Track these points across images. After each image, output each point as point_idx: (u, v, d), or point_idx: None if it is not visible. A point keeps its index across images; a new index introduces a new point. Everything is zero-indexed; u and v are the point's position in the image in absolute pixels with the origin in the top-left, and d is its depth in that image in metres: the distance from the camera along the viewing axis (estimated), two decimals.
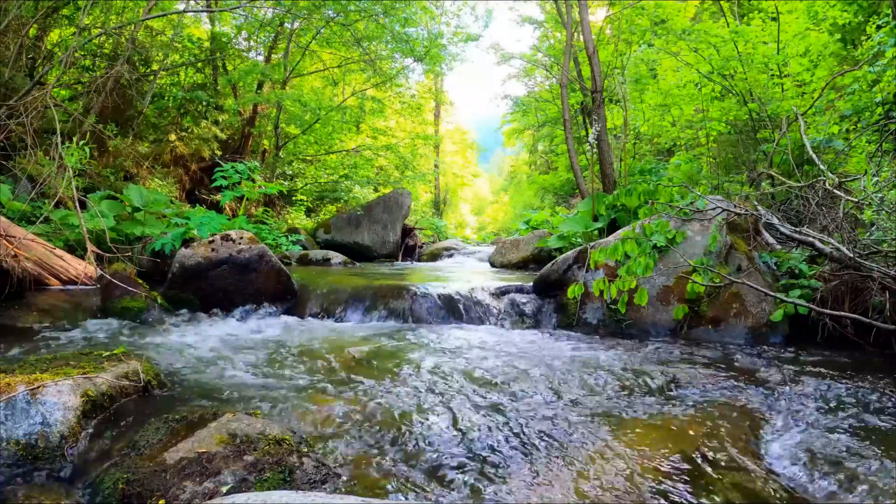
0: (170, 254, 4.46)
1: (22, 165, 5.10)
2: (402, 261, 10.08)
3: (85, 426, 1.66)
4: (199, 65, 10.37)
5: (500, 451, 1.63)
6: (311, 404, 1.96)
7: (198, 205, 8.37)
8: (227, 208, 9.10)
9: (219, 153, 9.83)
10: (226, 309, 3.83)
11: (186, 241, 4.34)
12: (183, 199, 9.28)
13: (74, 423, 1.62)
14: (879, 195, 3.16)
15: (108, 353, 2.15)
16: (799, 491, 1.46)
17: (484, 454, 1.62)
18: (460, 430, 1.75)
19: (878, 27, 5.04)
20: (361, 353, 2.77)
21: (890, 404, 2.05)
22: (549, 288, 3.97)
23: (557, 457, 1.61)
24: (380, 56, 11.20)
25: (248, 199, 6.94)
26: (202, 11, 10.07)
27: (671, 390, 2.24)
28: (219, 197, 7.16)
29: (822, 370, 2.52)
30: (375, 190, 13.83)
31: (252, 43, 11.39)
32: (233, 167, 5.99)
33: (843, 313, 2.85)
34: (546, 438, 1.72)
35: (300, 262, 7.55)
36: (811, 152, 4.00)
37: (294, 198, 12.35)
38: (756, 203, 4.28)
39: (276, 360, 2.61)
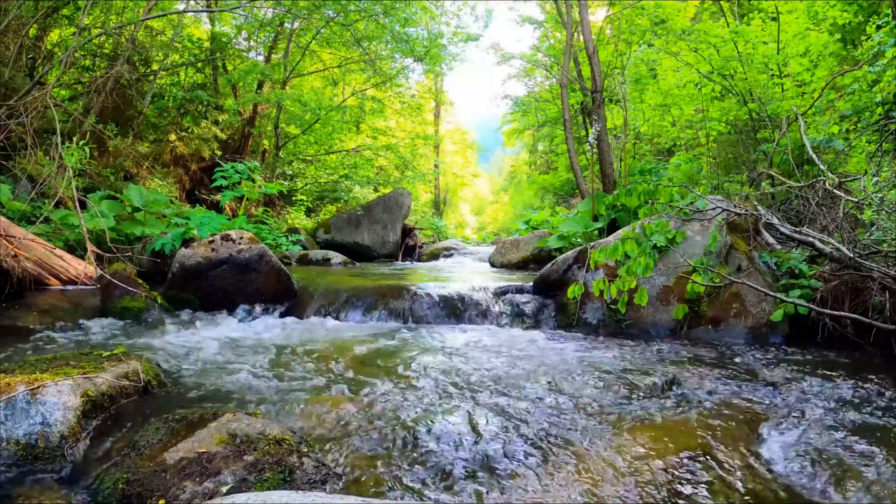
0: (170, 254, 4.46)
1: (22, 165, 5.10)
2: (402, 261, 10.08)
3: (85, 426, 1.66)
4: (199, 65, 10.37)
5: (500, 451, 1.63)
6: (312, 404, 1.96)
7: (198, 205, 8.37)
8: (227, 208, 9.10)
9: (219, 153, 9.83)
10: (226, 309, 3.83)
11: (186, 241, 4.35)
12: (183, 199, 9.28)
13: (74, 423, 1.62)
14: (879, 195, 3.16)
15: (108, 353, 2.15)
16: (799, 490, 1.46)
17: (484, 454, 1.62)
18: (461, 430, 1.75)
19: (878, 27, 5.04)
20: (361, 353, 2.77)
21: (890, 404, 2.05)
22: (549, 288, 3.97)
23: (557, 456, 1.61)
24: (380, 56, 11.20)
25: (248, 199, 6.94)
26: (202, 11, 10.07)
27: (671, 390, 2.24)
28: (219, 197, 7.16)
29: (822, 370, 2.52)
30: (375, 190, 13.83)
31: (252, 43, 11.40)
32: (233, 167, 5.99)
33: (843, 313, 2.85)
34: (546, 438, 1.72)
35: (300, 262, 7.55)
36: (811, 152, 4.00)
37: (294, 198, 12.35)
38: (756, 203, 4.28)
39: (276, 360, 2.61)
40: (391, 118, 16.08)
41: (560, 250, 6.13)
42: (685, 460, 1.57)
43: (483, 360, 2.68)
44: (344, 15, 9.29)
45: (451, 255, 10.10)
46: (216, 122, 10.36)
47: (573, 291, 3.23)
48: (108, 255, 4.03)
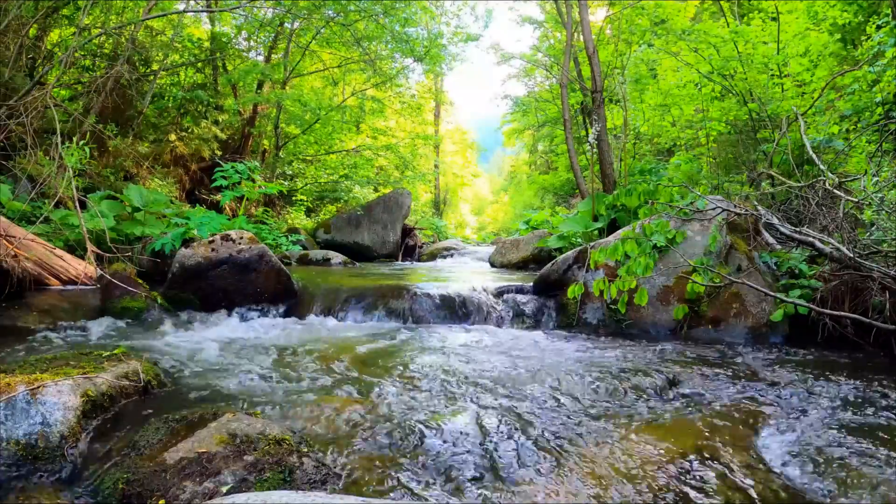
0: (170, 254, 4.46)
1: (22, 165, 5.10)
2: (402, 261, 10.08)
3: (85, 426, 1.66)
4: (199, 65, 10.37)
5: (500, 451, 1.63)
6: (312, 404, 1.96)
7: (198, 205, 8.37)
8: (227, 208, 9.10)
9: (219, 153, 9.83)
10: (226, 309, 3.83)
11: (186, 241, 4.35)
12: (183, 199, 9.28)
13: (74, 423, 1.62)
14: (879, 195, 3.16)
15: (108, 353, 2.15)
16: (799, 490, 1.46)
17: (484, 454, 1.62)
18: (461, 430, 1.75)
19: (878, 27, 5.04)
20: (362, 354, 2.77)
21: (890, 404, 2.05)
22: (549, 288, 3.97)
23: (557, 456, 1.61)
24: (380, 56, 11.20)
25: (248, 199, 6.94)
26: (202, 11, 10.07)
27: (671, 390, 2.24)
28: (219, 197, 7.16)
29: (823, 370, 2.52)
30: (375, 190, 13.83)
31: (252, 43, 11.40)
32: (233, 167, 5.99)
33: (843, 313, 2.85)
34: (546, 438, 1.72)
35: (300, 262, 7.55)
36: (811, 152, 4.00)
37: (294, 198, 12.35)
38: (756, 203, 4.28)
39: (276, 360, 2.61)
40: (391, 118, 16.08)
41: (560, 250, 6.13)
42: (685, 460, 1.57)
43: (483, 360, 2.68)
44: (344, 15, 9.29)
45: (450, 255, 10.11)
46: (216, 122, 10.36)
47: (573, 291, 3.23)
48: (108, 255, 4.03)
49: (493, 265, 7.79)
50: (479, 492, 1.43)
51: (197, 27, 11.20)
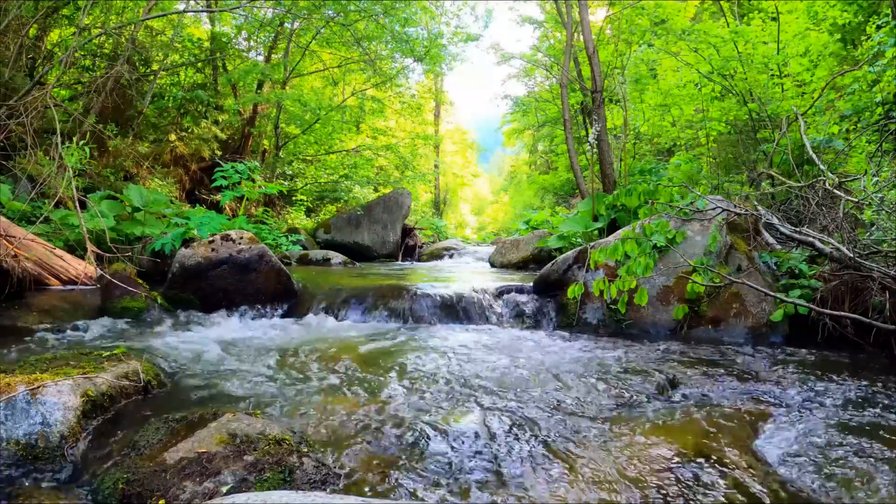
0: (170, 254, 4.46)
1: (22, 165, 5.10)
2: (402, 261, 10.08)
3: (85, 426, 1.66)
4: (199, 65, 10.37)
5: (500, 451, 1.63)
6: (312, 404, 1.96)
7: (198, 205, 8.37)
8: (227, 208, 9.10)
9: (219, 153, 9.84)
10: (226, 309, 3.83)
11: (186, 241, 4.35)
12: (183, 199, 9.28)
13: (74, 423, 1.62)
14: (879, 195, 3.16)
15: (108, 353, 2.15)
16: (799, 490, 1.46)
17: (484, 454, 1.62)
18: (461, 430, 1.75)
19: (878, 27, 5.04)
20: (362, 354, 2.77)
21: (890, 404, 2.05)
22: (549, 288, 3.97)
23: (557, 456, 1.61)
24: (380, 56, 11.21)
25: (248, 199, 6.94)
26: (202, 11, 10.07)
27: (672, 390, 2.24)
28: (219, 197, 7.16)
29: (823, 370, 2.52)
30: (375, 190, 13.83)
31: (252, 43, 11.40)
32: (233, 167, 5.99)
33: (843, 313, 2.85)
34: (546, 438, 1.72)
35: (300, 262, 7.55)
36: (811, 152, 4.00)
37: (294, 198, 12.35)
38: (756, 203, 4.28)
39: (276, 360, 2.61)
40: (391, 118, 16.09)
41: (560, 250, 6.13)
42: (686, 460, 1.57)
43: (483, 360, 2.68)
44: (344, 15, 9.29)
45: (450, 256, 10.11)
46: (216, 122, 10.36)
47: (573, 291, 3.23)
48: (108, 255, 4.03)
49: (493, 265, 7.79)
50: (481, 492, 1.43)
51: (197, 27, 11.20)
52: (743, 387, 2.28)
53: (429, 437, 1.69)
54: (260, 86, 10.77)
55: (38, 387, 1.66)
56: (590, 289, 3.52)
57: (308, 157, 12.26)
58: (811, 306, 2.93)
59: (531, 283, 4.14)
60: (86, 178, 6.65)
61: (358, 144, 13.01)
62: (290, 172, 12.33)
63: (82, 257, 4.24)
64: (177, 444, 1.51)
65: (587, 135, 8.36)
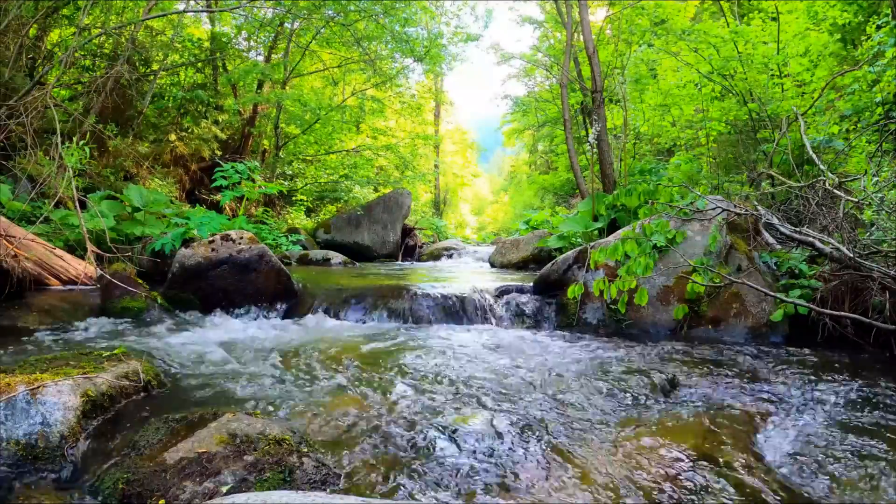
0: (170, 254, 4.46)
1: (22, 165, 5.10)
2: (402, 261, 10.08)
3: (85, 426, 1.66)
4: (199, 65, 10.37)
5: (500, 451, 1.63)
6: (312, 404, 1.96)
7: (198, 205, 8.37)
8: (227, 208, 9.10)
9: (219, 153, 9.84)
10: (226, 309, 3.83)
11: (186, 241, 4.34)
12: (183, 199, 9.28)
13: (74, 423, 1.62)
14: (879, 195, 3.16)
15: (108, 353, 2.15)
16: (800, 490, 1.46)
17: (484, 454, 1.62)
18: (462, 430, 1.75)
19: (878, 27, 5.04)
20: (362, 354, 2.77)
21: (890, 404, 2.05)
22: (549, 288, 3.97)
23: (558, 457, 1.61)
24: (380, 56, 11.21)
25: (248, 199, 6.94)
26: (202, 11, 10.07)
27: (672, 390, 2.24)
28: (219, 197, 7.16)
29: (823, 370, 2.52)
30: (375, 190, 13.83)
31: (252, 43, 11.40)
32: (233, 167, 5.99)
33: (843, 313, 2.85)
34: (547, 438, 1.72)
35: (300, 262, 7.55)
36: (811, 152, 4.00)
37: (294, 198, 12.35)
38: (756, 203, 4.28)
39: (275, 360, 2.61)
40: (391, 118, 16.08)
41: (560, 250, 6.13)
42: (686, 460, 1.57)
43: (483, 360, 2.68)
44: (344, 15, 9.29)
45: (450, 256, 10.11)
46: (216, 122, 10.36)
47: (573, 291, 3.23)
48: (108, 255, 4.03)
49: (493, 265, 7.79)
50: (483, 493, 1.43)
51: (197, 27, 11.20)
52: (743, 387, 2.28)
53: (430, 438, 1.69)
54: (260, 86, 10.77)
55: (38, 387, 1.66)
56: (590, 289, 3.52)
57: (308, 157, 12.26)
58: (811, 306, 2.93)
59: (531, 284, 4.14)
60: (86, 178, 6.65)
61: (358, 144, 13.01)
62: (290, 172, 12.33)
63: (82, 257, 4.24)
64: (177, 444, 1.51)
65: (587, 135, 8.36)
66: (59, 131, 4.29)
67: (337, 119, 11.05)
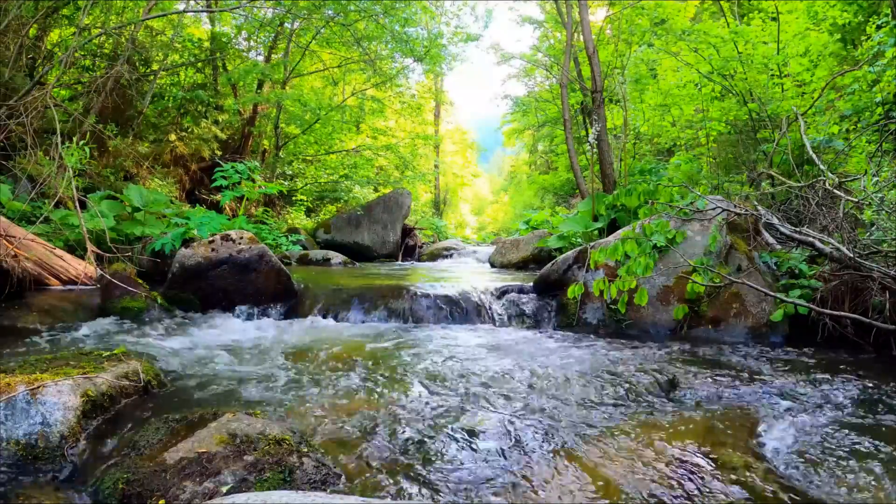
0: (170, 254, 4.46)
1: (22, 165, 5.10)
2: (402, 261, 10.08)
3: (85, 426, 1.66)
4: (199, 65, 10.37)
5: (500, 452, 1.63)
6: (312, 404, 1.96)
7: (198, 205, 8.37)
8: (227, 208, 9.10)
9: (219, 153, 9.83)
10: (226, 309, 3.83)
11: (186, 241, 4.35)
12: (183, 199, 9.28)
13: (74, 423, 1.62)
14: (879, 195, 3.16)
15: (108, 353, 2.15)
16: (799, 490, 1.46)
17: (486, 455, 1.62)
18: (461, 430, 1.75)
19: (878, 27, 5.04)
20: (362, 354, 2.77)
21: (890, 404, 2.05)
22: (550, 288, 3.97)
23: (557, 457, 1.61)
24: (380, 56, 11.20)
25: (248, 199, 6.94)
26: (202, 11, 10.07)
27: (672, 390, 2.24)
28: (219, 197, 7.16)
29: (823, 370, 2.52)
30: (375, 190, 13.83)
31: (252, 43, 11.40)
32: (233, 167, 5.99)
33: (843, 313, 2.85)
34: (547, 438, 1.72)
35: (300, 262, 7.55)
36: (811, 152, 4.00)
37: (294, 198, 12.35)
38: (756, 203, 4.28)
39: (276, 360, 2.61)
40: (391, 118, 16.08)
41: (560, 250, 6.13)
42: (688, 460, 1.57)
43: (483, 361, 2.68)
44: (344, 15, 9.29)
45: (451, 256, 10.11)
46: (216, 122, 10.36)
47: (573, 291, 3.23)
48: (108, 255, 4.03)
49: (493, 265, 7.79)
50: (484, 494, 1.43)
51: (197, 27, 11.20)
52: (743, 387, 2.28)
53: (430, 438, 1.69)
54: (260, 86, 10.77)
55: (38, 387, 1.66)
56: (590, 289, 3.52)
57: (308, 157, 12.26)
58: (811, 306, 2.93)
59: (531, 284, 4.14)
60: (86, 178, 6.64)
61: (358, 144, 13.01)
62: (290, 172, 12.33)
63: (82, 257, 4.24)
64: (177, 444, 1.51)
65: (587, 135, 8.36)
66: (59, 131, 4.29)
67: (337, 119, 11.06)
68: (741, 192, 4.97)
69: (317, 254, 7.87)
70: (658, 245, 3.45)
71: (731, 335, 3.30)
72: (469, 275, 6.12)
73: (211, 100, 10.12)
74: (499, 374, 2.41)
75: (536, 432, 1.76)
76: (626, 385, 2.27)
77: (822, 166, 3.85)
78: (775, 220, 3.81)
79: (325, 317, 3.81)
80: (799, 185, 3.97)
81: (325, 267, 7.39)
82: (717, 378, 2.40)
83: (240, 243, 3.94)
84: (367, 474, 1.49)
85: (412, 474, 1.50)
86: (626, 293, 3.22)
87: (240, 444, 1.48)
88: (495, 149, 41.76)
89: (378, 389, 2.17)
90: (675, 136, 8.30)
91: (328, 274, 5.93)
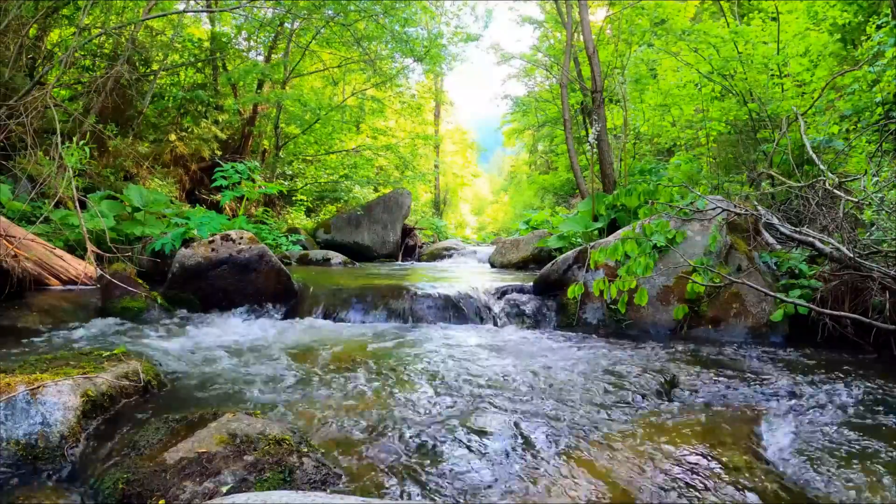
0: (170, 254, 4.46)
1: (22, 165, 5.10)
2: (402, 261, 10.08)
3: (85, 426, 1.66)
4: (199, 65, 10.37)
5: (500, 452, 1.63)
6: (312, 404, 1.96)
7: (198, 205, 8.37)
8: (227, 208, 9.10)
9: (219, 153, 9.84)
10: (226, 309, 3.83)
11: (186, 241, 4.35)
12: (183, 199, 9.28)
13: (74, 423, 1.62)
14: (879, 195, 3.16)
15: (108, 353, 2.15)
16: (800, 490, 1.46)
17: (489, 455, 1.62)
18: (463, 430, 1.75)
19: (878, 27, 5.04)
20: (362, 354, 2.77)
21: (891, 403, 2.05)
22: (549, 288, 3.97)
23: (557, 457, 1.61)
24: (380, 56, 11.21)
25: (248, 199, 6.94)
26: (202, 11, 10.07)
27: (672, 390, 2.24)
28: (219, 197, 7.16)
29: (823, 370, 2.52)
30: (375, 190, 13.83)
31: (252, 43, 11.40)
32: (233, 167, 5.99)
33: (843, 313, 2.85)
34: (547, 438, 1.72)
35: (300, 262, 7.55)
36: (811, 152, 4.00)
37: (294, 198, 12.35)
38: (756, 203, 4.28)
39: (276, 359, 2.61)
40: (391, 118, 16.09)
41: (560, 250, 6.13)
42: (687, 460, 1.57)
43: (484, 361, 2.68)
44: (344, 15, 9.29)
45: (451, 256, 10.11)
46: (216, 122, 10.36)
47: (573, 291, 3.23)
48: (108, 255, 4.03)
49: (493, 265, 7.79)
50: (485, 494, 1.43)
51: (197, 27, 11.20)
52: (743, 387, 2.28)
53: (431, 438, 1.69)
54: (260, 86, 10.77)
55: (38, 387, 1.66)
56: (590, 289, 3.52)
57: (308, 157, 12.27)
58: (811, 306, 2.93)
59: (531, 284, 4.14)
60: (86, 178, 6.65)
61: (358, 144, 13.01)
62: (290, 172, 12.33)
63: (82, 257, 4.24)
64: (177, 444, 1.51)
65: (587, 135, 8.36)
66: (59, 131, 4.29)
67: (337, 119, 11.06)
68: (741, 192, 4.97)
69: (317, 254, 7.87)
70: (658, 245, 3.45)
71: (731, 335, 3.30)
72: (469, 275, 6.12)
73: (211, 100, 10.12)
74: (499, 375, 2.41)
75: (538, 433, 1.76)
76: (627, 385, 2.27)
77: (822, 166, 3.85)
78: (775, 220, 3.81)
79: (325, 317, 3.81)
80: (799, 185, 3.97)
81: (325, 267, 7.39)
82: (718, 378, 2.40)
83: (240, 243, 3.94)
84: (368, 474, 1.49)
85: (413, 474, 1.50)
86: (626, 293, 3.22)
87: (240, 444, 1.48)
88: (495, 149, 41.79)
89: (379, 389, 2.17)
90: (675, 136, 8.31)
91: (328, 274, 5.93)
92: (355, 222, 10.02)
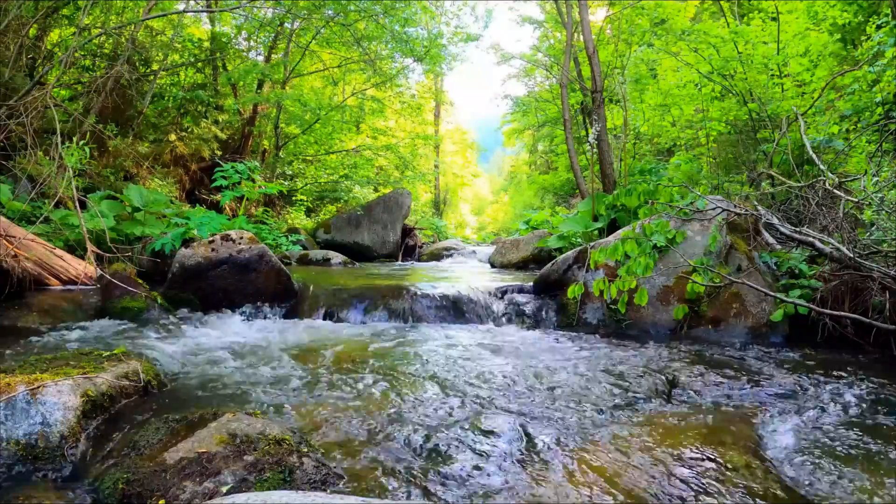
0: (170, 254, 4.46)
1: (22, 165, 5.10)
2: (402, 261, 10.08)
3: (85, 426, 1.66)
4: (199, 65, 10.37)
5: (499, 452, 1.63)
6: (312, 404, 1.96)
7: (198, 205, 8.37)
8: (227, 208, 9.10)
9: (219, 153, 9.84)
10: (226, 309, 3.83)
11: (186, 241, 4.35)
12: (183, 199, 9.28)
13: (74, 423, 1.62)
14: (879, 195, 3.16)
15: (108, 353, 2.15)
16: (799, 490, 1.46)
17: (488, 455, 1.62)
18: (464, 430, 1.75)
19: (878, 27, 5.04)
20: (362, 354, 2.77)
21: (890, 404, 2.05)
22: (549, 288, 3.97)
23: (557, 457, 1.61)
24: (380, 56, 11.20)
25: (248, 199, 6.94)
26: (202, 11, 10.07)
27: (672, 391, 2.24)
28: (219, 197, 7.16)
29: (823, 370, 2.52)
30: (375, 190, 13.83)
31: (252, 43, 11.40)
32: (233, 167, 5.99)
33: (843, 313, 2.85)
34: (547, 438, 1.72)
35: (300, 262, 7.55)
36: (811, 152, 4.00)
37: (294, 198, 12.35)
38: (756, 203, 4.28)
39: (276, 360, 2.61)
40: (391, 118, 16.08)
41: (560, 250, 6.13)
42: (686, 460, 1.57)
43: (484, 361, 2.68)
44: (344, 15, 9.29)
45: (451, 256, 10.10)
46: (216, 122, 10.36)
47: (573, 291, 3.23)
48: (108, 255, 4.03)
49: (493, 265, 7.79)
50: (480, 492, 1.43)
51: (197, 27, 11.20)
52: (743, 387, 2.28)
53: (432, 438, 1.69)
54: (260, 86, 10.77)
55: (38, 387, 1.66)
56: (590, 289, 3.52)
57: (308, 157, 12.26)
58: (811, 306, 2.93)
59: (531, 283, 4.14)
60: (86, 178, 6.64)
61: (358, 144, 13.01)
62: (290, 172, 12.33)
63: (82, 257, 4.24)
64: (177, 444, 1.51)
65: (587, 135, 8.36)
66: (59, 131, 4.29)
67: (337, 119, 11.06)
68: (741, 192, 4.97)
69: (317, 254, 7.87)
70: (658, 245, 3.45)
71: (731, 335, 3.30)
72: (469, 275, 6.12)
73: (211, 100, 10.12)
74: (500, 375, 2.41)
75: (539, 432, 1.76)
76: (628, 385, 2.27)
77: (822, 166, 3.85)
78: (775, 220, 3.81)
79: (325, 317, 3.81)
80: (799, 185, 3.97)
81: (325, 267, 7.39)
82: (718, 378, 2.40)
83: (240, 243, 3.94)
84: (369, 475, 1.49)
85: (415, 475, 1.50)
86: (626, 293, 3.22)
87: (240, 444, 1.48)
88: (495, 149, 41.79)
89: (379, 389, 2.17)
90: (675, 136, 8.30)
91: (328, 274, 5.93)
92: (355, 222, 10.02)
